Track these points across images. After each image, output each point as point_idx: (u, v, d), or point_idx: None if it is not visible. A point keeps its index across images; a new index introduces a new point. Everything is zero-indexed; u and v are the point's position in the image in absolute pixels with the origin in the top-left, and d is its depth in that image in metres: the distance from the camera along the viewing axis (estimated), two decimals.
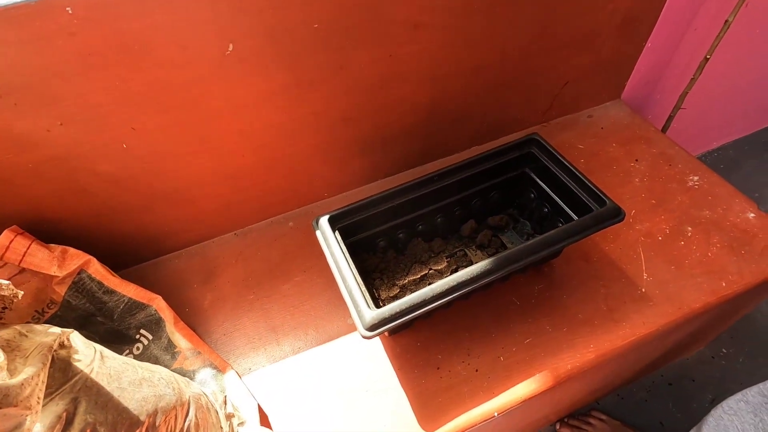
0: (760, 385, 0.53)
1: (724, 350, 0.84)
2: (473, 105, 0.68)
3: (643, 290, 0.56)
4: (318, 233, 0.50)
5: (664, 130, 0.84)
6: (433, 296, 0.43)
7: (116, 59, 0.43)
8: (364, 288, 0.45)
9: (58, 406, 0.33)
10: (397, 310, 0.42)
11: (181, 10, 0.42)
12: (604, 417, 0.75)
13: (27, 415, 0.30)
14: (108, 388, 0.37)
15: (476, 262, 0.46)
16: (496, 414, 0.48)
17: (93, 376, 0.37)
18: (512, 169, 0.59)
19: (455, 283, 0.43)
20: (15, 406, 0.29)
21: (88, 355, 0.37)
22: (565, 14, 0.61)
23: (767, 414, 0.51)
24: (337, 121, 0.60)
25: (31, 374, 0.30)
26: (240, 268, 0.63)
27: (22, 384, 0.29)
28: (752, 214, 0.62)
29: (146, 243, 0.62)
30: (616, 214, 0.49)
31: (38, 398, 0.31)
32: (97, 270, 0.51)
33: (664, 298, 0.55)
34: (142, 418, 0.38)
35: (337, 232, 0.50)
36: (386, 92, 0.59)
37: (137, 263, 0.63)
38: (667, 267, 0.58)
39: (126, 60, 0.43)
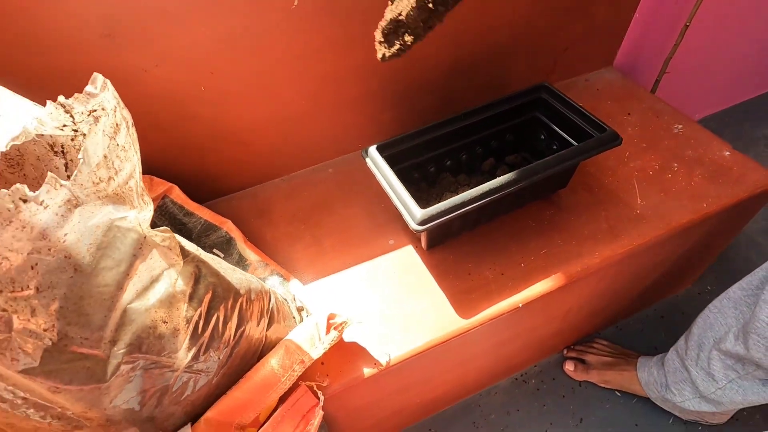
0: (741, 282, 0.63)
1: (709, 287, 0.95)
2: (486, 63, 0.78)
3: (638, 212, 0.66)
4: (368, 160, 0.60)
5: (652, 91, 0.95)
6: (470, 199, 0.53)
7: (205, 5, 0.52)
8: (410, 196, 0.54)
9: (188, 267, 0.42)
10: (442, 209, 0.52)
11: None
12: (605, 342, 0.85)
13: (178, 262, 0.39)
14: (214, 266, 0.46)
15: None
16: (520, 305, 0.57)
17: (200, 254, 0.46)
18: (525, 113, 0.69)
19: (488, 189, 0.53)
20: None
21: (191, 247, 0.46)
22: None
23: (746, 306, 0.61)
24: (373, 75, 0.69)
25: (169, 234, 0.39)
26: (290, 206, 0.72)
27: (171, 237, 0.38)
28: (727, 152, 0.73)
29: (207, 182, 0.71)
30: (614, 138, 0.59)
31: (178, 254, 0.40)
32: (178, 195, 0.60)
33: (656, 217, 0.65)
34: (242, 291, 0.47)
35: (383, 158, 0.59)
36: (414, 51, 0.69)
37: (205, 201, 0.72)
38: (658, 194, 0.68)
39: (212, 7, 0.52)
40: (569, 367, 0.83)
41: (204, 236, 0.62)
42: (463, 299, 0.58)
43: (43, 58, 0.49)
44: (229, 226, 0.62)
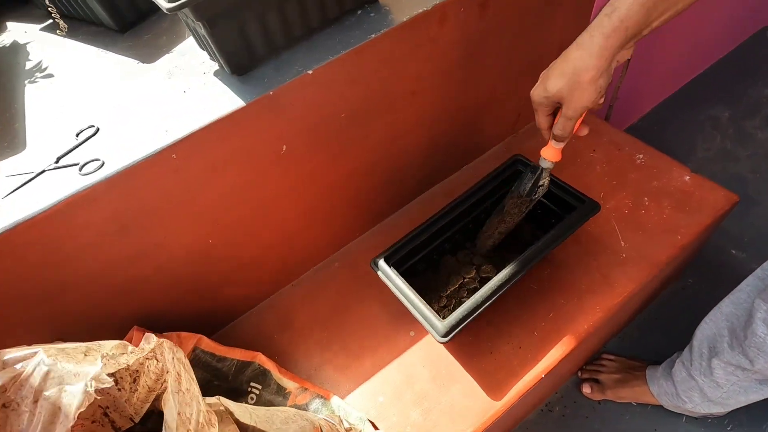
0: (731, 296, 0.71)
1: (690, 280, 1.05)
2: (458, 135, 0.83)
3: (624, 255, 0.73)
4: (379, 273, 0.64)
5: (606, 118, 1.03)
6: (483, 299, 0.58)
7: (208, 177, 0.55)
8: (429, 307, 0.59)
9: None
10: (460, 316, 0.57)
11: (250, 131, 0.54)
12: (612, 357, 0.93)
13: None
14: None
15: (497, 261, 0.62)
16: (543, 376, 0.63)
17: (257, 425, 0.49)
18: (505, 186, 0.75)
19: (496, 286, 0.58)
20: None
21: (244, 412, 0.50)
22: (522, 50, 0.77)
23: (735, 318, 0.68)
24: (362, 176, 0.73)
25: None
26: (308, 311, 0.75)
27: None
28: (687, 177, 0.81)
29: (226, 308, 0.73)
30: (593, 207, 0.65)
31: None
32: (207, 344, 0.63)
33: (640, 258, 0.72)
34: None
35: (392, 267, 0.64)
36: (395, 146, 0.73)
37: (226, 324, 0.74)
38: (636, 233, 0.75)
39: (213, 176, 0.55)
40: (587, 390, 0.90)
41: (240, 374, 0.64)
42: (491, 381, 0.64)
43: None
44: (260, 359, 0.65)
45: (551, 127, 0.53)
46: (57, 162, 0.49)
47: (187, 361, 0.42)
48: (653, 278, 0.71)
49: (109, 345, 0.46)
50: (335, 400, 0.64)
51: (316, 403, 0.63)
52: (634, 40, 0.45)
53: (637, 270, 0.71)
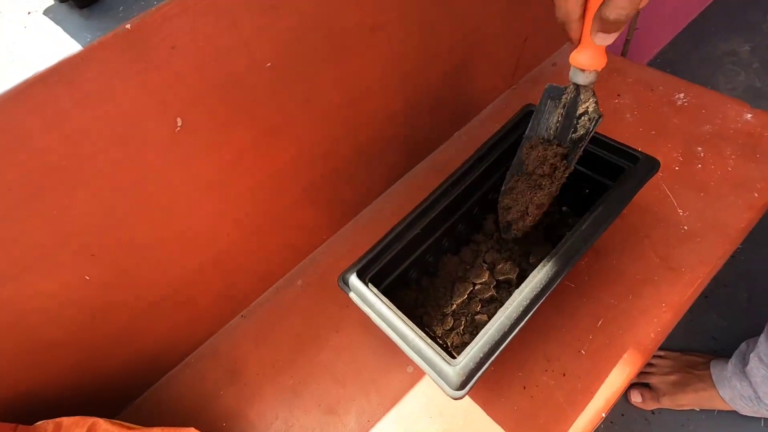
0: None
1: (741, 246, 0.86)
2: (444, 91, 0.62)
3: (685, 228, 0.53)
4: (351, 294, 0.43)
5: (623, 54, 0.83)
6: (511, 324, 0.38)
7: (56, 180, 0.33)
8: (430, 341, 0.38)
9: None
10: (480, 354, 0.36)
11: (102, 97, 0.33)
12: (662, 353, 0.75)
13: None
14: None
15: (516, 255, 0.42)
16: (603, 415, 0.44)
17: None
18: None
19: (527, 301, 0.38)
20: None
21: None
22: None
23: None
24: (316, 158, 0.52)
25: None
26: (263, 352, 0.54)
27: None
28: (749, 115, 0.61)
29: (149, 365, 0.52)
30: (651, 167, 0.45)
31: None
32: (107, 429, 0.42)
33: (709, 228, 0.53)
34: None
35: (370, 285, 0.43)
36: (358, 111, 0.52)
37: (146, 389, 0.54)
38: (697, 195, 0.56)
39: (64, 178, 0.34)
40: (636, 399, 0.72)
41: None
42: (529, 427, 0.44)
43: None
44: None
45: (584, 14, 0.32)
46: None
47: None
48: (731, 253, 0.52)
49: None
50: None
51: None
52: None
53: (707, 245, 0.51)
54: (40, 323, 0.40)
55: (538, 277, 0.39)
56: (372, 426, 0.47)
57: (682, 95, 0.66)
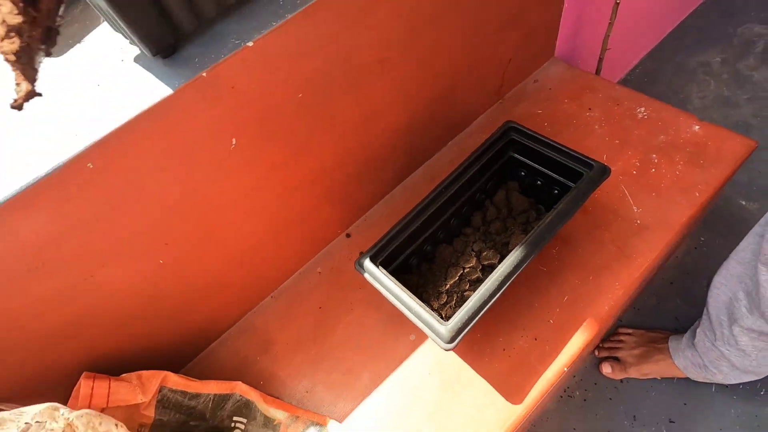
0: (736, 255, 0.63)
1: (702, 238, 0.97)
2: (438, 108, 0.73)
3: (639, 222, 0.65)
4: (366, 275, 0.55)
5: (597, 71, 0.94)
6: (490, 293, 0.49)
7: (140, 187, 0.45)
8: (428, 309, 0.50)
9: None
10: (466, 316, 0.48)
11: (186, 124, 0.44)
12: (630, 330, 0.86)
13: None
14: None
15: (498, 245, 0.53)
16: (565, 369, 0.55)
17: None
18: (500, 158, 0.66)
19: (503, 275, 0.50)
20: None
21: None
22: (495, 4, 0.68)
23: (748, 278, 0.61)
24: (333, 168, 0.64)
25: None
26: (291, 328, 0.66)
27: None
28: (697, 127, 0.72)
29: (196, 338, 0.64)
30: (603, 171, 0.56)
31: None
32: (176, 382, 0.53)
33: (657, 223, 0.64)
34: None
35: (381, 267, 0.55)
36: (369, 128, 0.64)
37: (195, 356, 0.65)
38: (649, 195, 0.67)
39: (148, 185, 0.45)
40: (607, 370, 0.83)
41: (219, 410, 0.55)
42: (507, 381, 0.56)
43: None
44: (241, 389, 0.56)
45: None
46: None
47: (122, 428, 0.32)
48: (675, 243, 0.64)
49: (32, 411, 0.37)
50: (333, 426, 0.55)
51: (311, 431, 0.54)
52: None
53: (655, 236, 0.63)
54: (125, 298, 0.51)
55: (511, 259, 0.51)
56: (382, 381, 0.59)
57: (643, 109, 0.77)
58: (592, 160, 0.57)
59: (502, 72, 0.80)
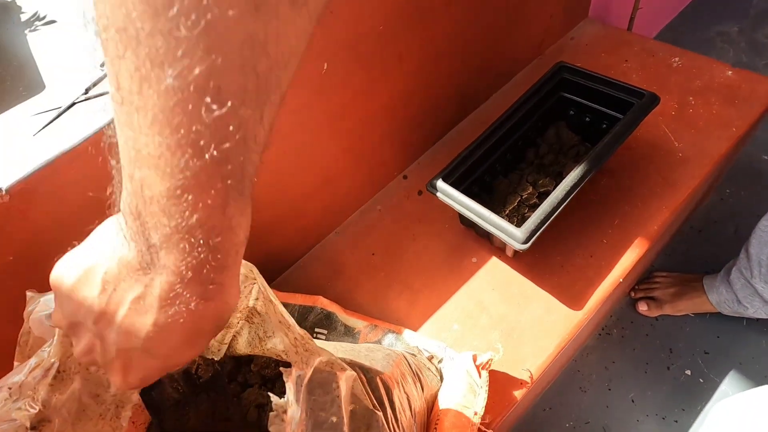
0: None
1: (728, 190, 1.03)
2: (489, 57, 0.78)
3: (680, 155, 0.70)
4: (439, 194, 0.60)
5: (629, 29, 0.99)
6: (559, 200, 0.54)
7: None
8: (500, 217, 0.55)
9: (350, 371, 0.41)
10: (539, 219, 0.53)
11: None
12: (664, 273, 0.91)
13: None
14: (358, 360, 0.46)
15: (552, 174, 0.58)
16: (621, 280, 0.60)
17: (342, 356, 0.45)
18: (551, 97, 0.71)
19: (570, 185, 0.55)
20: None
21: (328, 346, 0.46)
22: None
23: None
24: (398, 106, 0.69)
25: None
26: (359, 256, 0.71)
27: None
28: (730, 72, 0.78)
29: (273, 260, 0.69)
30: (653, 100, 0.61)
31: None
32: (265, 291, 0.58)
33: (698, 154, 0.69)
34: (389, 370, 0.47)
35: (453, 188, 0.60)
36: (430, 68, 0.69)
37: (275, 278, 0.70)
38: (689, 131, 0.72)
39: None
40: (643, 308, 0.88)
41: (303, 321, 0.60)
42: (569, 293, 0.61)
43: None
44: (322, 302, 0.61)
45: None
46: (86, 93, 0.44)
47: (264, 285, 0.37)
48: (713, 174, 0.69)
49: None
50: (408, 333, 0.60)
51: (389, 339, 0.59)
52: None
53: (697, 166, 0.68)
54: None
55: (576, 171, 0.56)
56: (449, 298, 0.64)
57: (677, 59, 0.82)
58: (643, 89, 0.62)
59: (545, 26, 0.85)
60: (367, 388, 0.39)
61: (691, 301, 0.85)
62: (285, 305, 0.58)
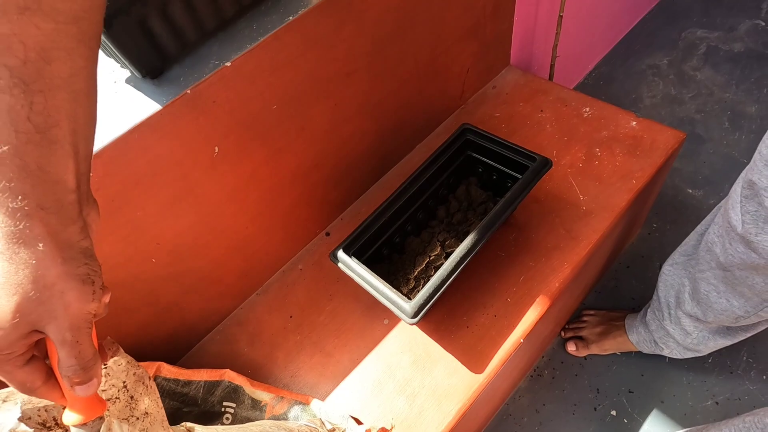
0: (681, 248, 0.72)
1: (654, 225, 1.06)
2: (404, 115, 0.81)
3: (584, 208, 0.72)
4: (340, 265, 0.61)
5: (550, 77, 1.03)
6: (448, 273, 0.56)
7: (134, 193, 0.51)
8: (394, 289, 0.56)
9: None
10: (427, 293, 0.55)
11: (173, 136, 0.50)
12: (592, 312, 0.94)
13: None
14: None
15: (461, 233, 0.60)
16: (521, 340, 0.62)
17: None
18: (459, 156, 0.73)
19: (459, 257, 0.57)
20: None
21: None
22: (452, 19, 0.76)
23: (691, 267, 0.70)
24: (310, 170, 0.70)
25: None
26: (276, 319, 0.72)
27: None
28: (634, 122, 0.81)
29: (189, 332, 0.69)
30: (545, 164, 0.64)
31: None
32: (168, 370, 0.59)
33: (600, 208, 0.72)
34: None
35: (353, 257, 0.61)
36: (341, 134, 0.71)
37: (188, 349, 0.70)
38: (594, 184, 0.75)
39: (139, 191, 0.51)
40: (571, 348, 0.90)
41: (210, 396, 0.61)
42: (471, 354, 0.62)
43: None
44: (229, 375, 0.62)
45: (48, 376, 0.28)
46: None
47: (152, 383, 0.38)
48: (615, 225, 0.71)
49: None
50: (315, 404, 0.61)
51: (295, 411, 0.60)
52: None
53: (598, 220, 0.71)
54: (121, 294, 0.57)
55: (465, 243, 0.57)
56: (360, 361, 0.65)
57: (588, 109, 0.86)
58: (536, 154, 0.65)
59: (462, 80, 0.88)
60: None
61: (614, 340, 0.87)
62: (189, 383, 0.58)
